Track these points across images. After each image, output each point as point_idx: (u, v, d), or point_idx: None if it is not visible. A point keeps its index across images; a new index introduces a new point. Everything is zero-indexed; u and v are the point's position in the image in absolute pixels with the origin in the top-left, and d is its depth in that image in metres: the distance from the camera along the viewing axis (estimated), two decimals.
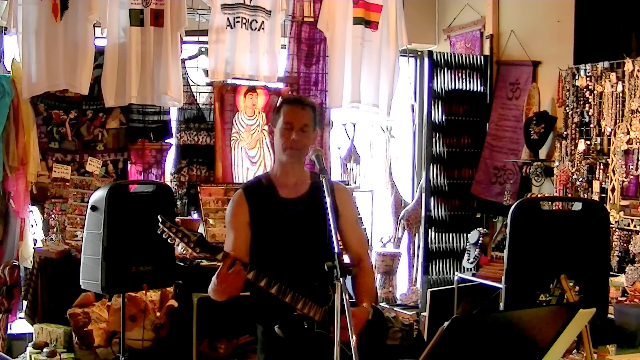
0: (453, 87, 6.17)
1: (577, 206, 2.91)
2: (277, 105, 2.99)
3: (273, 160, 5.91)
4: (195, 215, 5.59)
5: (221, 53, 5.53)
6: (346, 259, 3.00)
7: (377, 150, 6.63)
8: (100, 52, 5.29)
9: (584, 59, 5.07)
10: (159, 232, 2.63)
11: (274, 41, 5.66)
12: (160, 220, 2.63)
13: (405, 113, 6.79)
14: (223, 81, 5.74)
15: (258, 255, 2.85)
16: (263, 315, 2.88)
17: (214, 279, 2.70)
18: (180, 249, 2.65)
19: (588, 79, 4.94)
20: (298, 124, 2.85)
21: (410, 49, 6.64)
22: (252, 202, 2.90)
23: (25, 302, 5.12)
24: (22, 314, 5.24)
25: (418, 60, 6.93)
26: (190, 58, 5.84)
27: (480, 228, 5.80)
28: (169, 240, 2.63)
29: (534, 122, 5.41)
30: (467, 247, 5.80)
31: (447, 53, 6.25)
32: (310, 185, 2.92)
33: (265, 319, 2.87)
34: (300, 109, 2.89)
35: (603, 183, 4.82)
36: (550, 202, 4.17)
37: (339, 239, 2.99)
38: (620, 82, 4.72)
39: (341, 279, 2.32)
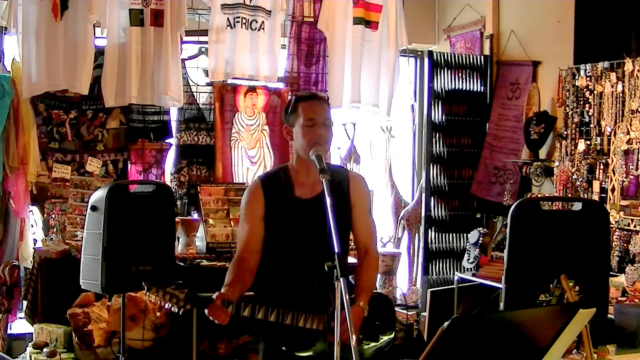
0: (453, 87, 6.17)
1: (577, 206, 2.91)
2: (291, 104, 2.90)
3: (273, 160, 5.92)
4: (195, 215, 5.59)
5: (221, 53, 5.53)
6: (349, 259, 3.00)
7: (377, 150, 6.62)
8: (100, 52, 5.29)
9: (584, 59, 5.07)
10: (145, 298, 2.63)
11: (274, 41, 5.66)
12: (146, 287, 2.62)
13: (405, 113, 6.79)
14: (223, 81, 5.73)
15: (270, 251, 2.86)
16: (270, 333, 2.88)
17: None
18: (172, 309, 2.63)
19: (588, 79, 4.94)
20: (320, 118, 2.83)
21: (410, 49, 6.64)
22: (268, 197, 2.88)
23: (25, 302, 5.12)
24: (22, 314, 5.24)
25: (418, 60, 6.92)
26: (190, 58, 5.84)
27: (480, 228, 5.80)
28: (159, 304, 2.63)
29: (534, 122, 5.41)
30: (467, 247, 5.80)
31: (447, 53, 6.25)
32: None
33: (272, 337, 2.87)
34: (319, 104, 2.87)
35: (603, 183, 4.82)
36: (550, 202, 4.17)
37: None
38: (620, 82, 4.72)
39: (342, 279, 2.32)
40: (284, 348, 2.79)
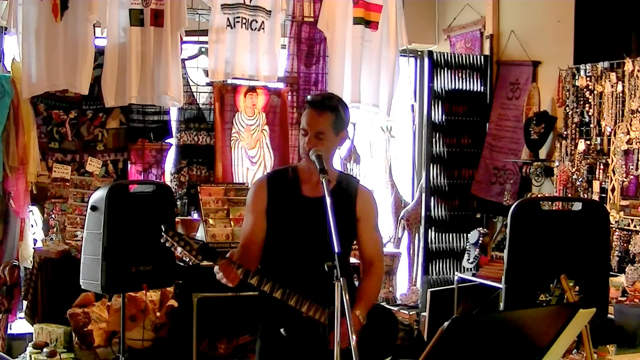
0: (453, 87, 6.17)
1: (577, 206, 2.91)
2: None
3: (273, 161, 5.92)
4: (195, 215, 5.59)
5: (221, 53, 5.53)
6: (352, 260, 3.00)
7: (377, 150, 6.62)
8: (100, 52, 5.29)
9: (584, 59, 5.07)
10: (162, 240, 2.65)
11: (274, 41, 5.66)
12: (164, 229, 2.66)
13: (405, 113, 6.79)
14: (223, 81, 5.73)
15: (271, 246, 2.88)
16: (270, 316, 2.89)
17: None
18: (183, 257, 2.68)
19: (588, 79, 4.94)
20: (312, 130, 2.83)
21: (410, 49, 6.64)
22: (272, 193, 2.92)
23: (25, 302, 5.12)
24: (22, 314, 5.24)
25: (418, 60, 6.92)
26: (190, 58, 5.84)
27: (480, 228, 5.79)
28: (172, 249, 2.66)
29: (534, 122, 5.41)
30: (467, 247, 5.79)
31: (447, 53, 6.25)
32: (334, 187, 2.88)
33: (271, 320, 2.88)
34: (316, 115, 2.84)
35: (603, 183, 4.82)
36: (550, 202, 4.17)
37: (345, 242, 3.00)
38: (620, 82, 4.72)
39: (342, 279, 2.32)
40: (282, 330, 2.79)
